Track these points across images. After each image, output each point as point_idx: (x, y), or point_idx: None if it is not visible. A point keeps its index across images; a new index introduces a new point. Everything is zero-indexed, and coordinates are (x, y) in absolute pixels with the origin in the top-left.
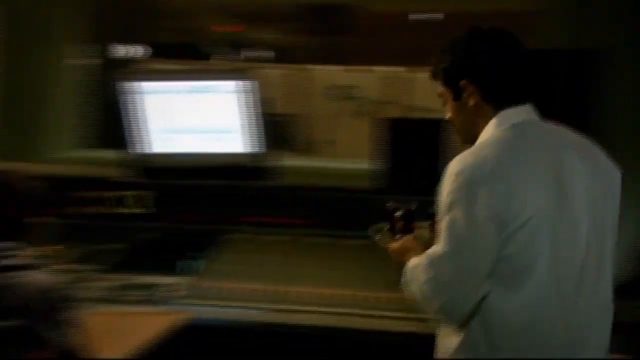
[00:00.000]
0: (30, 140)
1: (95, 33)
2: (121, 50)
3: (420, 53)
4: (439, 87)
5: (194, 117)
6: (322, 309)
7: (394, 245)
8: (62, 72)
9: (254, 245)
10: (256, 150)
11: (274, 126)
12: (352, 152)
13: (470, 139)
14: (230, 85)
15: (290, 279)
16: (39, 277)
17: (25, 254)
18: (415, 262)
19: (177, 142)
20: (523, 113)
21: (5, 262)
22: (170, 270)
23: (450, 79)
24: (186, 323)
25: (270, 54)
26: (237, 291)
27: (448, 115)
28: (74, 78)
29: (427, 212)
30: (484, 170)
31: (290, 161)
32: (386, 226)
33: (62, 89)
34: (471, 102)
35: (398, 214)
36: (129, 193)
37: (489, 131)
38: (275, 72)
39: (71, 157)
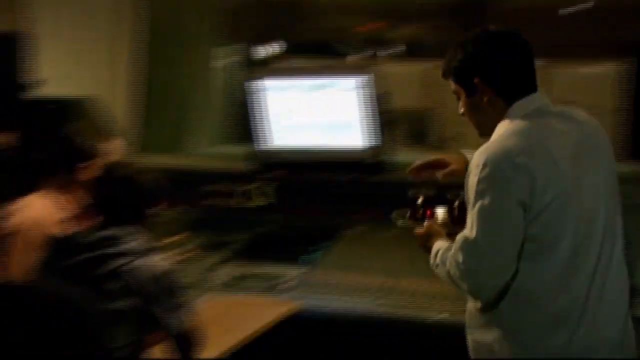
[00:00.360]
0: (176, 136)
1: (238, 34)
2: (261, 50)
3: (555, 47)
4: (453, 84)
5: (315, 113)
6: (431, 303)
7: (420, 230)
8: (206, 72)
9: (370, 239)
10: (375, 145)
11: (398, 121)
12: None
13: (487, 132)
14: (350, 81)
15: (402, 273)
16: (156, 262)
17: (144, 240)
18: (444, 246)
19: (299, 137)
20: (534, 101)
21: (125, 246)
22: (287, 261)
23: (463, 77)
24: (298, 313)
25: (406, 50)
26: (348, 284)
27: (462, 110)
28: (217, 77)
29: (444, 198)
30: (507, 161)
31: (411, 156)
32: (408, 212)
33: (205, 88)
34: (485, 98)
35: (419, 200)
36: (252, 186)
37: (506, 123)
38: (411, 69)
39: (212, 152)
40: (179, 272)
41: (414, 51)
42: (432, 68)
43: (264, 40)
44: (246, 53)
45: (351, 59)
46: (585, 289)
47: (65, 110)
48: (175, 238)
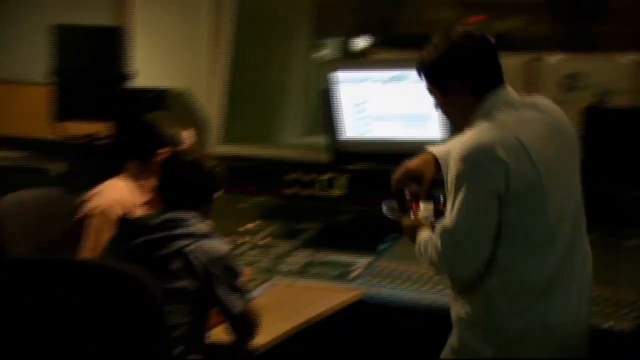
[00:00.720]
0: (264, 127)
1: (337, 26)
2: (358, 43)
3: None
4: (426, 83)
5: (392, 105)
6: None
7: (407, 222)
8: (299, 64)
9: None
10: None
11: None
12: None
13: (461, 127)
14: None
15: None
16: (217, 245)
17: (203, 224)
18: (426, 236)
19: (375, 128)
20: (504, 94)
21: (187, 229)
22: (358, 250)
23: (437, 77)
24: (362, 300)
25: (506, 42)
26: (415, 274)
27: (437, 107)
28: (309, 70)
29: (430, 194)
30: (484, 154)
31: None
32: (395, 204)
33: (296, 80)
34: (458, 96)
35: (407, 195)
36: (327, 176)
37: (480, 117)
38: (511, 61)
39: (298, 143)
40: (250, 257)
41: (514, 44)
42: (530, 61)
43: (362, 33)
44: (344, 46)
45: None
46: (558, 268)
47: (156, 100)
48: (251, 225)
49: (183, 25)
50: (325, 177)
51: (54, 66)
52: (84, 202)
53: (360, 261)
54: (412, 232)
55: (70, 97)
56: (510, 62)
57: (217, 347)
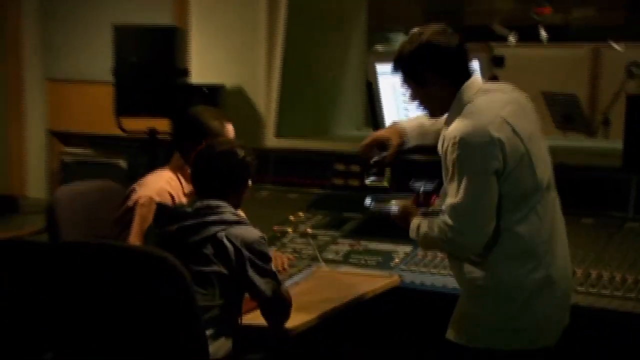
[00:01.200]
0: (319, 121)
1: (402, 19)
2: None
3: None
4: (402, 77)
5: None
6: None
7: (397, 211)
8: (354, 58)
9: None
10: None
11: None
12: None
13: (438, 114)
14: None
15: None
16: (248, 230)
17: (233, 212)
18: (422, 220)
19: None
20: (476, 83)
21: (220, 217)
22: (398, 239)
23: (414, 72)
24: (400, 287)
25: (569, 33)
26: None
27: (411, 98)
28: (363, 62)
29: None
30: (481, 136)
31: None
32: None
33: (352, 73)
34: (436, 87)
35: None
36: (372, 168)
37: (459, 104)
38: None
39: (352, 135)
40: (295, 245)
41: (577, 35)
42: (594, 50)
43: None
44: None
45: (511, 43)
46: (551, 229)
47: (211, 96)
48: (300, 214)
49: (240, 21)
50: (371, 168)
51: (115, 65)
52: (132, 191)
53: (401, 250)
54: (404, 219)
55: (130, 95)
56: (575, 53)
57: (252, 329)
